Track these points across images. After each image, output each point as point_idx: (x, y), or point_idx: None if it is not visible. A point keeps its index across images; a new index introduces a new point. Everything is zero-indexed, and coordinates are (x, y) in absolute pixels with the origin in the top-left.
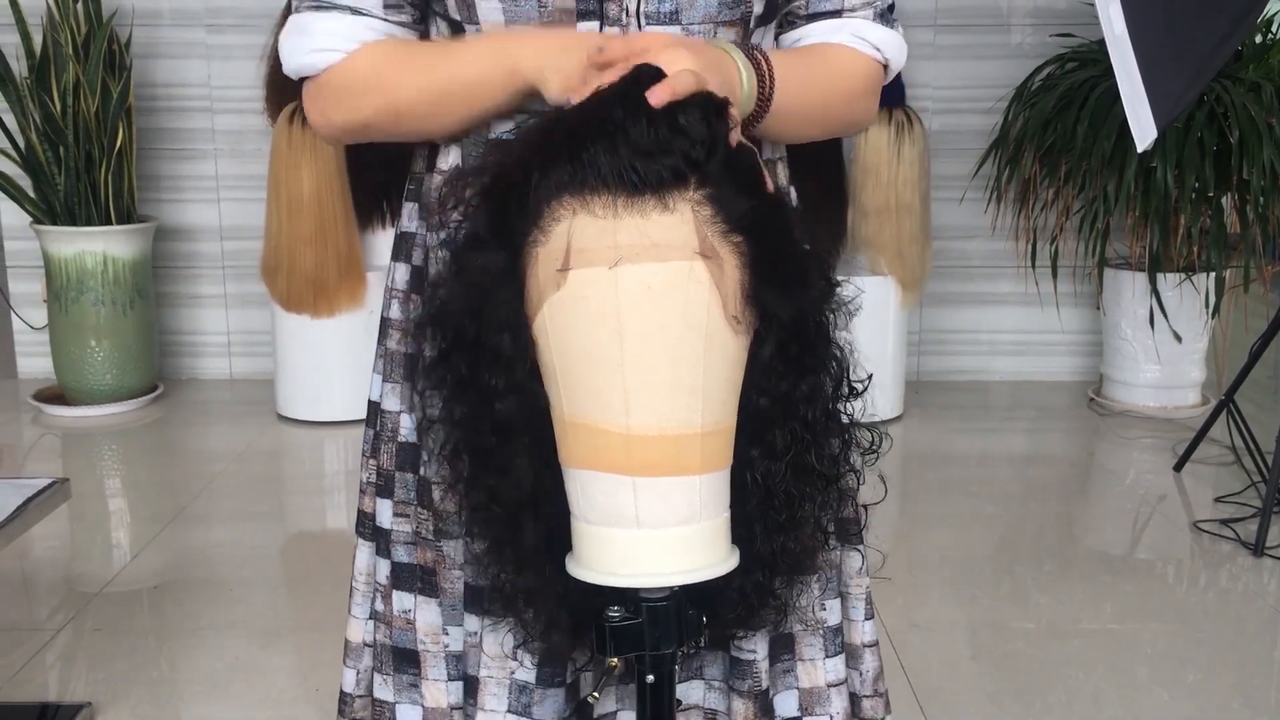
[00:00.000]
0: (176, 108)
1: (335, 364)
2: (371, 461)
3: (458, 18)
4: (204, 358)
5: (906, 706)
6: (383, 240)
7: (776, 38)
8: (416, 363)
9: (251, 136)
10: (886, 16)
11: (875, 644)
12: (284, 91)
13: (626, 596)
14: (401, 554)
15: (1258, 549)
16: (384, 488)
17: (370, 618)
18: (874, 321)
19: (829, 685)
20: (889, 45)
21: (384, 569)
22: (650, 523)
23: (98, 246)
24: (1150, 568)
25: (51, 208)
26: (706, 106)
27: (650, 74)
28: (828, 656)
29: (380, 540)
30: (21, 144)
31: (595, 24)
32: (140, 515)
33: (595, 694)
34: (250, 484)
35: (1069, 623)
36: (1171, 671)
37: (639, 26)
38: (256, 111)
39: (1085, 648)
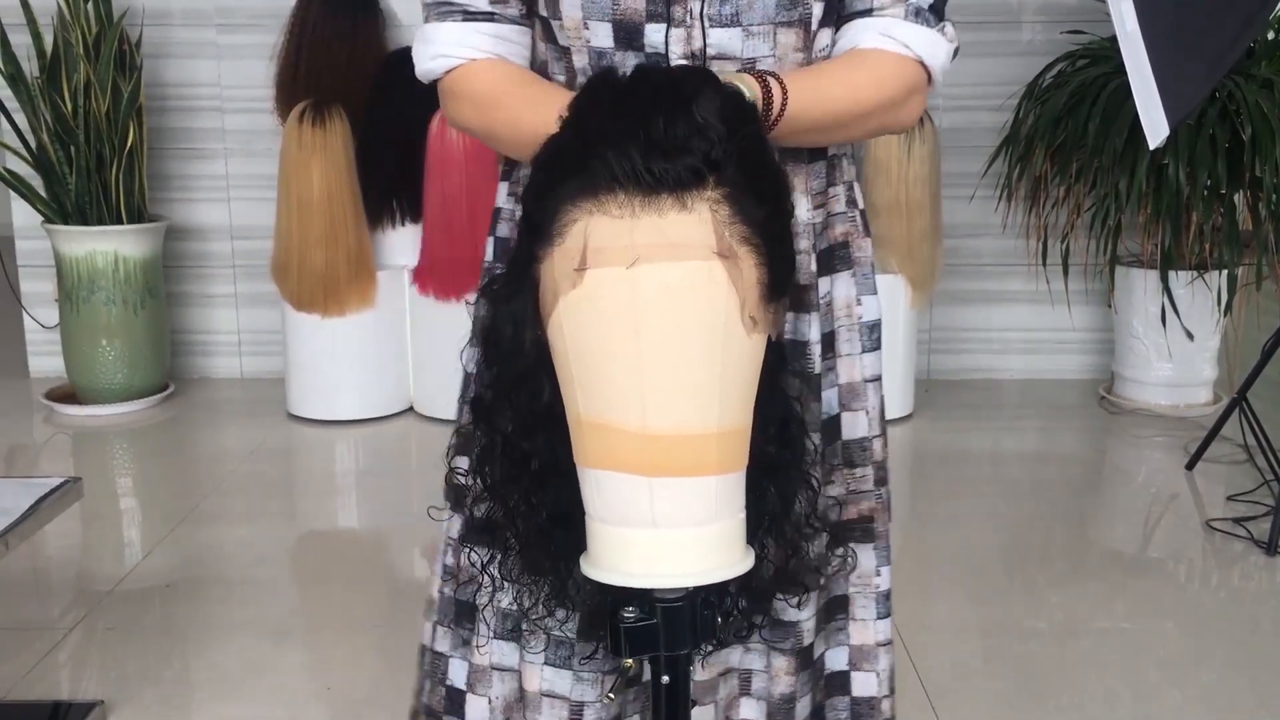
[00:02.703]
0: (187, 107)
1: (346, 363)
2: (461, 412)
3: (545, 14)
4: (215, 357)
5: (918, 706)
6: (393, 239)
7: None
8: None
9: (262, 136)
10: (924, 14)
11: (888, 644)
12: (294, 91)
13: (641, 597)
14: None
15: (1271, 548)
16: (463, 446)
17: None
18: (884, 320)
19: (878, 644)
20: (918, 42)
21: (457, 524)
22: (667, 523)
23: (109, 246)
24: (1162, 567)
25: (63, 207)
26: (726, 105)
27: (657, 72)
28: (879, 618)
29: (459, 495)
30: (33, 144)
31: (663, 25)
32: (152, 514)
33: (610, 694)
34: (261, 483)
35: (1081, 622)
36: (1184, 671)
37: (702, 29)
38: (267, 111)
39: (1097, 647)
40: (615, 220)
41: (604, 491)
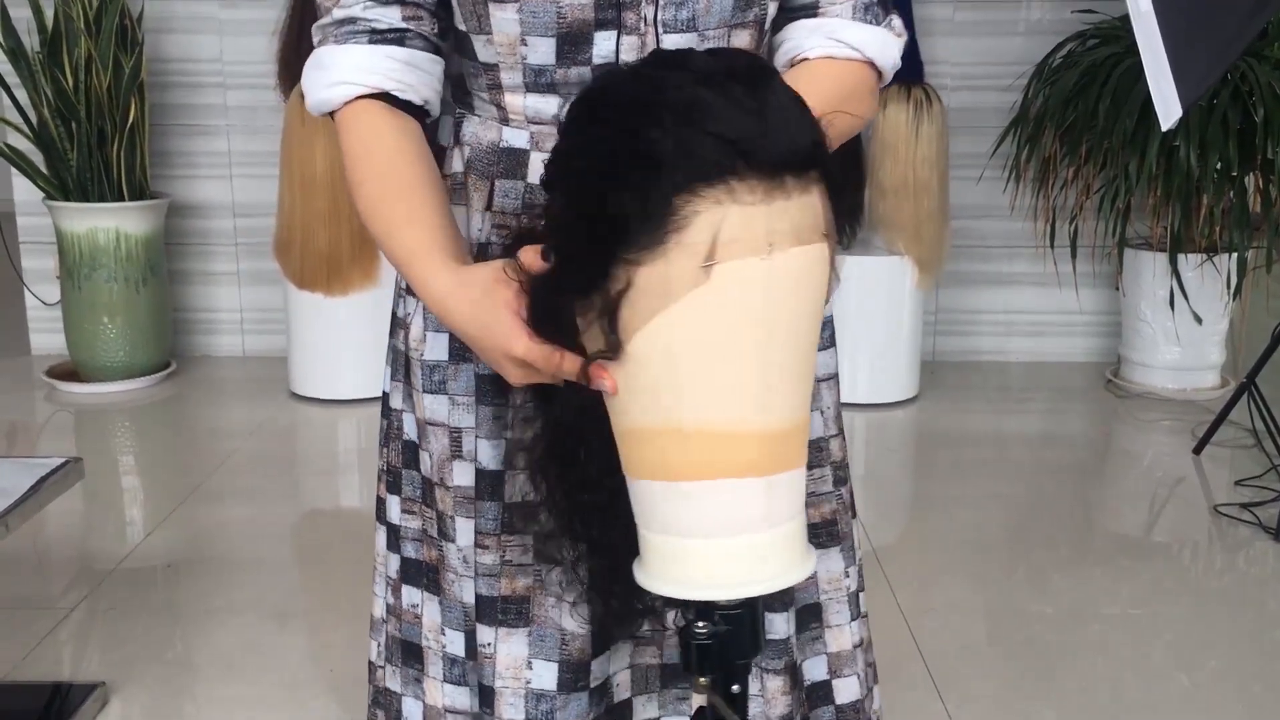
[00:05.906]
0: (189, 83)
1: (348, 342)
2: (385, 451)
3: (464, 29)
4: (217, 335)
5: (923, 690)
6: None
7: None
8: (406, 362)
9: (264, 113)
10: (872, 9)
11: (862, 643)
12: (297, 67)
13: (707, 608)
14: (410, 549)
15: (1278, 533)
16: (393, 484)
17: (385, 601)
18: (890, 301)
19: (855, 646)
20: (869, 44)
21: (394, 563)
22: (780, 519)
23: (110, 223)
24: (1169, 551)
25: (64, 184)
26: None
27: (704, 53)
28: (853, 620)
29: (391, 535)
30: (34, 119)
31: (613, 33)
32: (153, 493)
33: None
34: (263, 462)
35: (1086, 606)
36: (1190, 656)
37: (656, 36)
38: (269, 87)
39: (1103, 632)
40: (747, 208)
41: (703, 504)
